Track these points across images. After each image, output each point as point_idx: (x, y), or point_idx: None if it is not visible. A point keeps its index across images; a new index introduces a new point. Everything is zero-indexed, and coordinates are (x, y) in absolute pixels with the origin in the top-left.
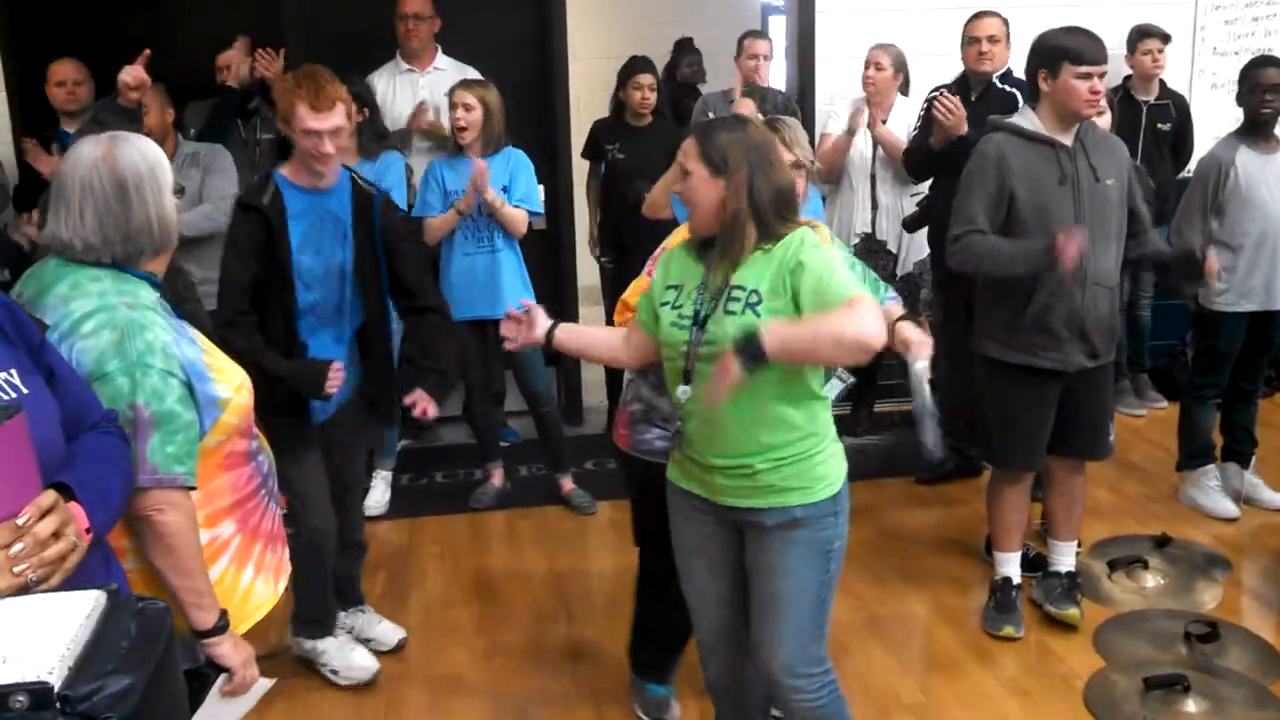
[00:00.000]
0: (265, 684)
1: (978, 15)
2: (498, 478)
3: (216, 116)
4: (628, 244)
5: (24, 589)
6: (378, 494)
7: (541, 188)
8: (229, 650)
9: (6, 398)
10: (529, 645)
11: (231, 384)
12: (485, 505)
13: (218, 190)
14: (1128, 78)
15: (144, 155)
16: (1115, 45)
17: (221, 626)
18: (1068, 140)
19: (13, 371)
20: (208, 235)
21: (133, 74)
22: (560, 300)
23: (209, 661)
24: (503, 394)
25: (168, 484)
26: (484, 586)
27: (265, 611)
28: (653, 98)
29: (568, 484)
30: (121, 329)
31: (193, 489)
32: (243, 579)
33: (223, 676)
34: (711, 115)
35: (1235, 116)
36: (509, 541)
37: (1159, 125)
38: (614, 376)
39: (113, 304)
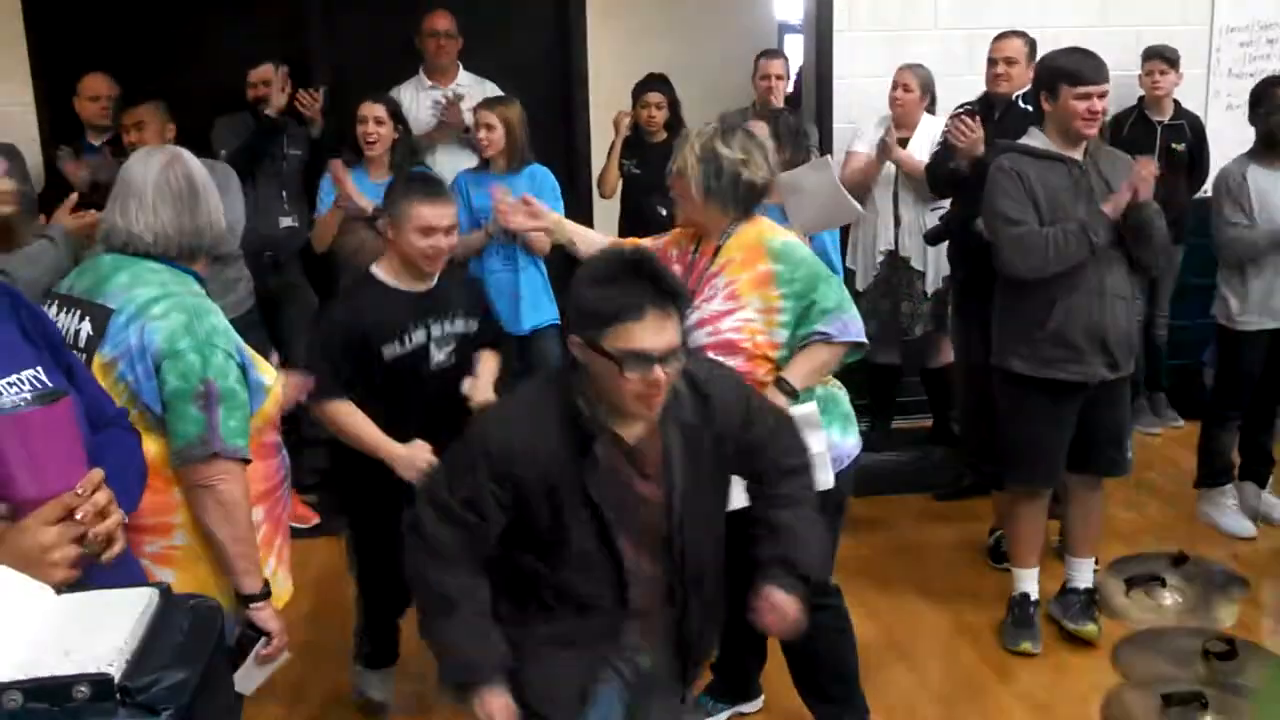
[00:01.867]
0: (284, 655)
1: (1001, 36)
2: None
3: (252, 143)
4: None
5: (87, 559)
6: None
7: (561, 203)
8: (270, 615)
9: (38, 390)
10: None
11: (270, 375)
12: None
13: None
14: (1142, 98)
15: (200, 166)
16: (1132, 67)
17: (266, 593)
18: (1078, 156)
19: (39, 369)
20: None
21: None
22: None
23: (250, 624)
24: None
25: (230, 454)
26: None
27: (283, 602)
28: (661, 115)
29: None
30: (190, 311)
31: (249, 462)
32: (267, 567)
33: (262, 640)
34: None
35: (1251, 137)
36: None
37: (1174, 145)
38: None
39: (177, 291)
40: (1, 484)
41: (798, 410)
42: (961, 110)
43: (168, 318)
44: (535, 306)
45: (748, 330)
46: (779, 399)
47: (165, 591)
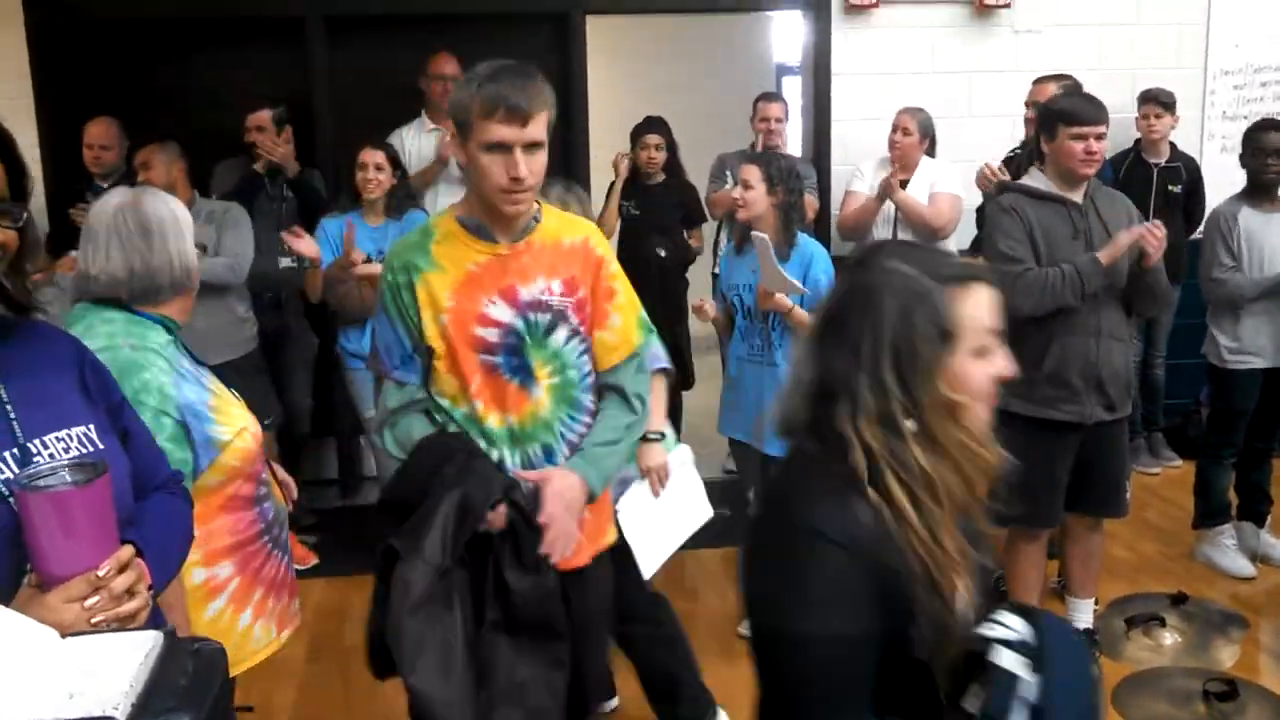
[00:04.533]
0: None
1: (1039, 80)
2: None
3: (242, 190)
4: (642, 300)
5: None
6: None
7: None
8: None
9: (84, 451)
10: None
11: (233, 427)
12: None
13: (232, 246)
14: (1138, 140)
15: (168, 204)
16: (1127, 109)
17: None
18: (1077, 197)
19: (91, 427)
20: (223, 285)
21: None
22: None
23: None
24: None
25: None
26: None
27: (264, 655)
28: (660, 156)
29: None
30: (120, 368)
31: None
32: (241, 620)
33: None
34: (729, 174)
35: (1244, 178)
36: None
37: (1170, 187)
38: None
39: (118, 344)
40: (32, 556)
41: (675, 456)
42: (1013, 152)
43: None
44: None
45: None
46: (656, 450)
47: (170, 634)
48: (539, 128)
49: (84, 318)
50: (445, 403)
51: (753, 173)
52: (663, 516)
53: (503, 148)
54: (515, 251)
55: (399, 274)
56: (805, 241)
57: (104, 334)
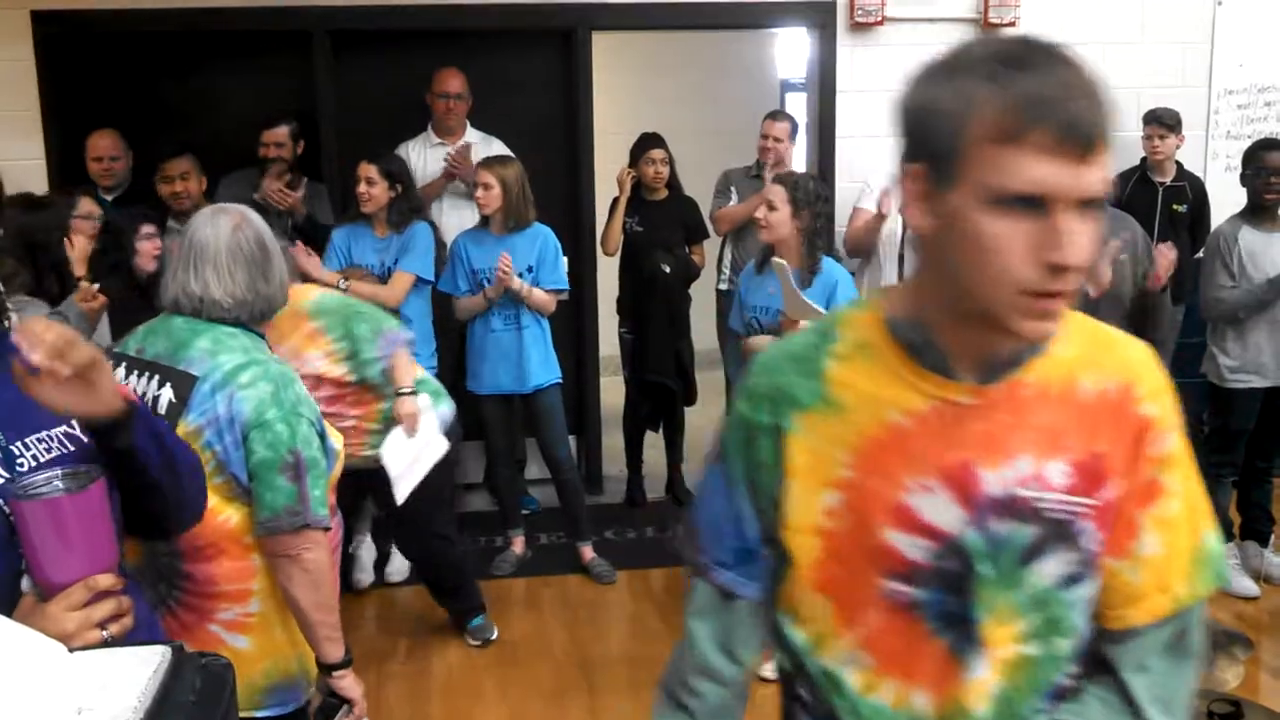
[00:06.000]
0: None
1: None
2: (519, 545)
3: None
4: (646, 315)
5: (112, 642)
6: (399, 560)
7: (565, 259)
8: (352, 684)
9: (67, 450)
10: (550, 714)
11: (339, 439)
12: (506, 572)
13: None
14: (1144, 159)
15: (266, 226)
16: (1132, 128)
17: (348, 661)
18: None
19: (73, 424)
20: None
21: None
22: (581, 370)
23: (332, 693)
24: (524, 461)
25: (315, 524)
26: (505, 654)
27: None
28: (665, 171)
29: (588, 552)
30: (275, 380)
31: (329, 530)
32: None
33: (344, 708)
34: (733, 190)
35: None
36: (529, 609)
37: (1175, 207)
38: (634, 445)
39: (262, 358)
40: (30, 565)
41: (423, 402)
42: None
43: (255, 386)
44: (539, 365)
45: (318, 372)
46: (405, 403)
47: (178, 649)
48: (1104, 172)
49: (205, 332)
50: (798, 637)
51: (778, 194)
52: (415, 454)
53: (1034, 204)
54: (988, 401)
55: (759, 406)
56: (830, 267)
57: (239, 348)
